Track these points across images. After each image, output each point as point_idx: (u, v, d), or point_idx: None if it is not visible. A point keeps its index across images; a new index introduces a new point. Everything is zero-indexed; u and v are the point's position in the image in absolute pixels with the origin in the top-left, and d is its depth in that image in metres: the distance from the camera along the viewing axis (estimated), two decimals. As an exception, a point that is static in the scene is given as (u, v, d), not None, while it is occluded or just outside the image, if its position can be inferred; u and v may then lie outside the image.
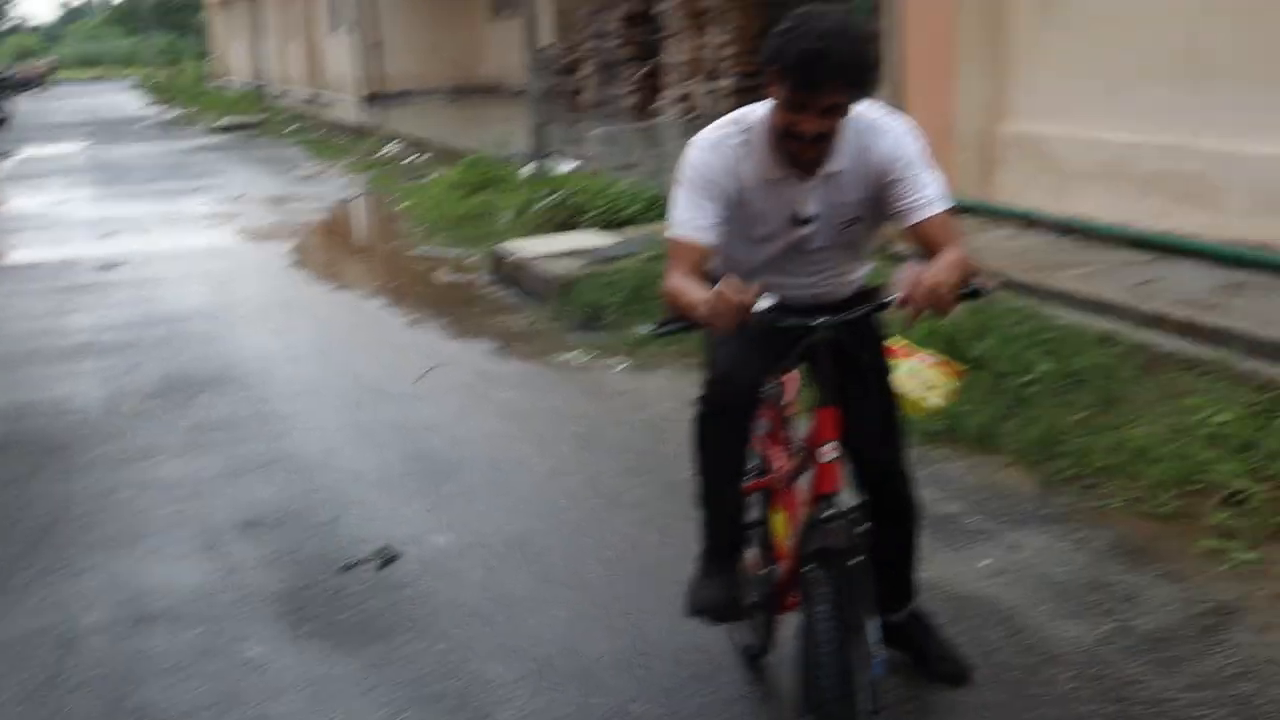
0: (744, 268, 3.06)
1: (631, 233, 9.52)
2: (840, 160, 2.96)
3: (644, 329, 7.29)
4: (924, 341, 5.84)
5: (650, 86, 19.06)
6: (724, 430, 3.18)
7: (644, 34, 19.42)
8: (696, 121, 17.68)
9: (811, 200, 3.02)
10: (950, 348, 5.88)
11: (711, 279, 2.82)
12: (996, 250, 7.62)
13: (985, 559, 4.32)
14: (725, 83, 16.86)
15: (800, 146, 2.88)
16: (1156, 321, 6.01)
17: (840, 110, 2.83)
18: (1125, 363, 5.59)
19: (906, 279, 2.73)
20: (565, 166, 12.97)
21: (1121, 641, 3.72)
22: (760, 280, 2.75)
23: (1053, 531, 4.48)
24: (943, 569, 4.15)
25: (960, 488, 4.90)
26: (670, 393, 6.32)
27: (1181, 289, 6.44)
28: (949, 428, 5.29)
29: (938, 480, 4.85)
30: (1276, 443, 4.58)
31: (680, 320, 2.87)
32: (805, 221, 3.05)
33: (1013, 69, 8.64)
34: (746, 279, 2.76)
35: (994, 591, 4.09)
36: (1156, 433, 4.86)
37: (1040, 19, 8.37)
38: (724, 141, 3.01)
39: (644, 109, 18.81)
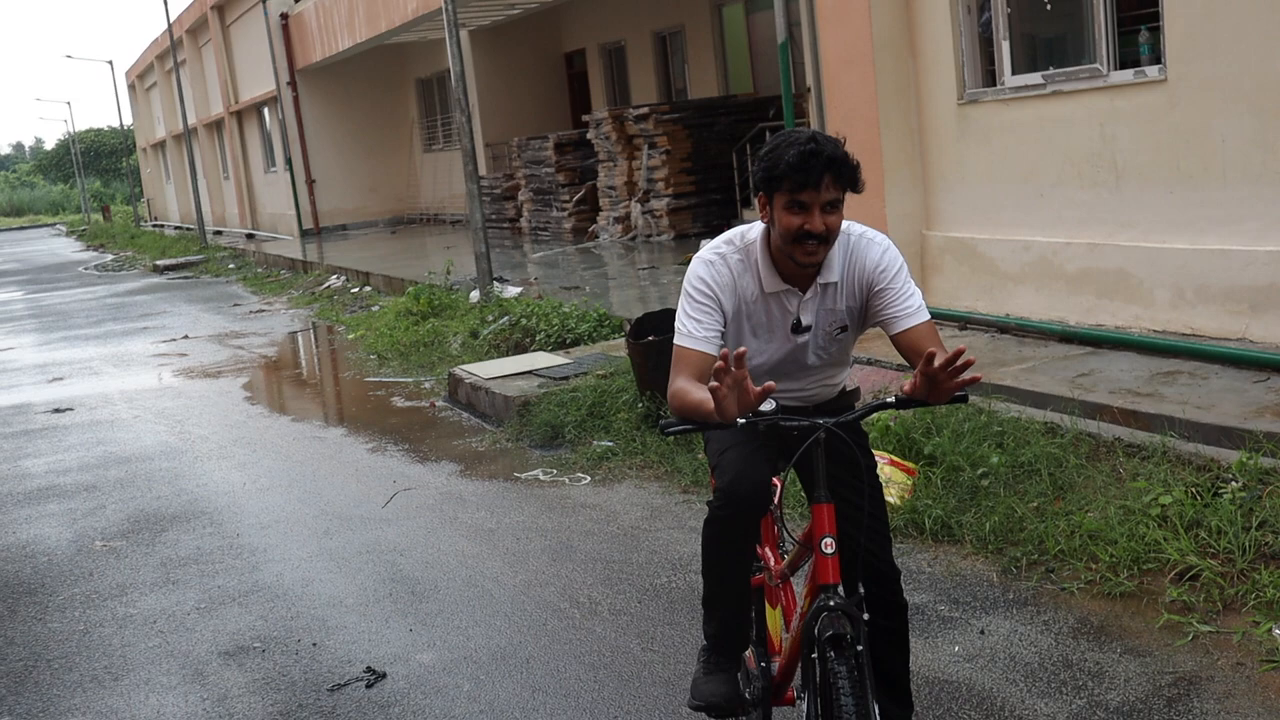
0: None
1: (582, 352, 9.75)
2: (832, 272, 3.21)
3: (604, 443, 7.46)
4: (879, 442, 6.08)
5: (587, 210, 19.51)
6: (736, 532, 3.29)
7: (577, 160, 19.96)
8: (635, 241, 18.11)
9: (807, 310, 3.24)
10: (903, 446, 6.12)
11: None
12: (938, 351, 7.89)
13: (956, 645, 4.49)
14: (660, 203, 17.34)
15: (809, 249, 3.06)
16: (1097, 411, 6.29)
17: (838, 207, 3.04)
18: (1071, 451, 5.84)
19: (933, 359, 2.78)
20: (511, 291, 13.22)
21: (1094, 715, 3.89)
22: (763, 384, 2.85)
23: (1018, 615, 4.66)
24: (916, 657, 4.28)
25: (926, 578, 5.09)
26: (635, 504, 6.48)
27: (1117, 379, 6.75)
28: (910, 521, 5.50)
29: (904, 572, 4.99)
30: (1220, 520, 4.81)
31: (686, 421, 3.04)
32: (804, 330, 3.26)
33: (937, 180, 9.05)
34: None
35: (968, 675, 4.25)
36: (1108, 516, 5.08)
37: (957, 133, 8.80)
38: (724, 258, 3.23)
39: (582, 231, 19.23)
